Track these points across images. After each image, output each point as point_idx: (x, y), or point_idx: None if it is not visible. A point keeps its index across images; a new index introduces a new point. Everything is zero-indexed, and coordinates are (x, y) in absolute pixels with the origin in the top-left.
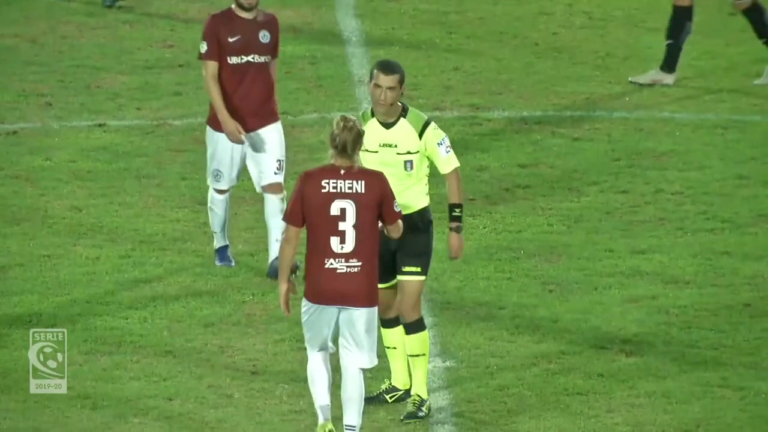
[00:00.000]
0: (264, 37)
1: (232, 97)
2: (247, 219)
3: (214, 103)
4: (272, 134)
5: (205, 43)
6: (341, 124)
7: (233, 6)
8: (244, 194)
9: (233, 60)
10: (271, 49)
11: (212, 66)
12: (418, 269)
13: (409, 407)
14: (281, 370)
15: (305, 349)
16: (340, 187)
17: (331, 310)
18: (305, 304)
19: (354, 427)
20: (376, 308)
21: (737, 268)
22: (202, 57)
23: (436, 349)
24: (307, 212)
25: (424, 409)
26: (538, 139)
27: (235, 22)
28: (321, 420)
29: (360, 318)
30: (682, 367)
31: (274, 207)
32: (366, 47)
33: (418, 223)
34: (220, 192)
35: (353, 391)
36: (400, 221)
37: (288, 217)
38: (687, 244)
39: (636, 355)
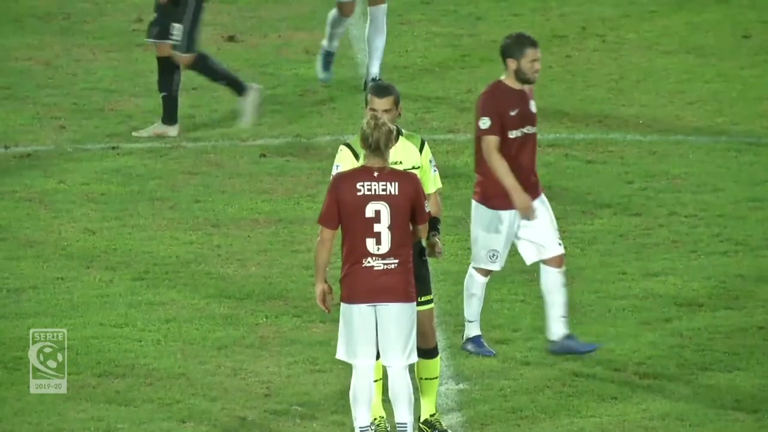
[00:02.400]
0: (533, 107)
1: (512, 171)
2: (260, 242)
3: (505, 178)
4: (544, 205)
5: (488, 118)
6: (372, 123)
7: (503, 78)
8: (258, 217)
9: (513, 134)
10: (536, 119)
11: (496, 140)
12: (430, 297)
13: (438, 427)
14: (295, 392)
15: (319, 371)
16: (375, 189)
17: (369, 311)
18: (342, 309)
19: (406, 424)
20: (413, 304)
21: (751, 291)
22: (485, 132)
23: (449, 372)
24: (343, 215)
25: (444, 424)
26: (552, 162)
27: (512, 96)
28: None
29: (398, 313)
30: (695, 389)
31: (556, 280)
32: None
33: (422, 247)
34: (487, 274)
35: (400, 389)
36: (428, 222)
37: (323, 220)
38: (701, 267)
39: (649, 378)
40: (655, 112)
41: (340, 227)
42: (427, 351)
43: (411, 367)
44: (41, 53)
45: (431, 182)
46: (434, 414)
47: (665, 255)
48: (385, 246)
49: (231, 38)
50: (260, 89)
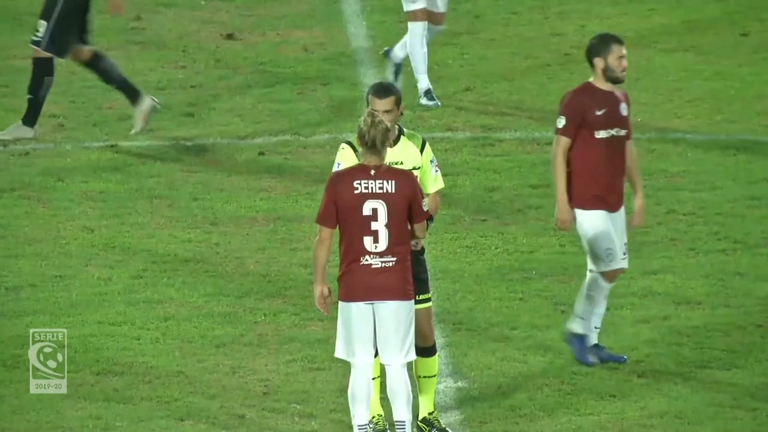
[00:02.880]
0: (623, 110)
1: (602, 173)
2: (259, 239)
3: (558, 183)
4: (623, 216)
5: (564, 117)
6: (369, 121)
7: (592, 80)
8: (256, 215)
9: (601, 134)
10: (628, 123)
11: (566, 143)
12: (429, 295)
13: (437, 425)
14: (293, 390)
15: (318, 369)
16: (372, 188)
17: (367, 309)
18: (341, 307)
19: (404, 422)
20: (411, 302)
21: (749, 289)
22: (558, 131)
23: (448, 370)
24: (340, 213)
25: (443, 423)
26: (550, 160)
27: (600, 96)
28: None
29: (396, 311)
30: (694, 387)
31: (602, 290)
32: (378, 68)
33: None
34: (611, 279)
35: (398, 387)
36: (425, 221)
37: (321, 219)
38: (699, 265)
39: (648, 376)
40: (653, 110)
41: (338, 226)
42: (425, 349)
43: (409, 365)
44: None
45: (431, 182)
46: (433, 412)
47: (664, 253)
48: (383, 244)
49: (230, 36)
50: (36, 135)
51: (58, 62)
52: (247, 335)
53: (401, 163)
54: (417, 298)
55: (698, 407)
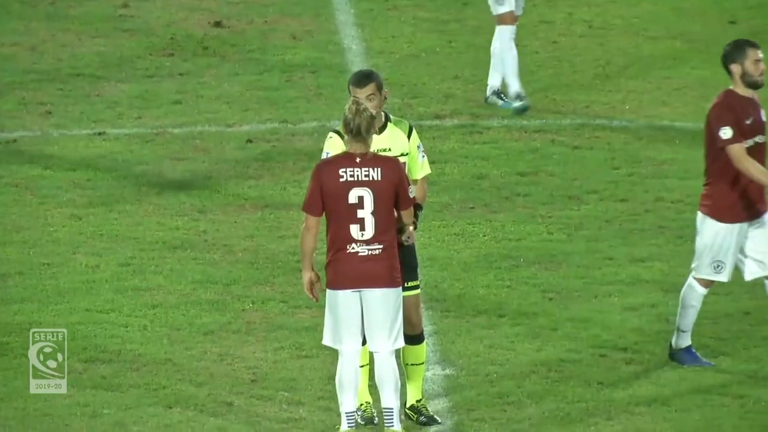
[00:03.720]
0: (764, 115)
1: (746, 181)
2: (247, 227)
3: (766, 179)
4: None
5: (728, 127)
6: (353, 109)
7: (732, 87)
8: (244, 202)
9: (748, 143)
10: (765, 127)
11: (742, 147)
12: (417, 282)
13: (425, 412)
14: (281, 377)
15: (305, 357)
16: (357, 176)
17: (354, 296)
18: (328, 295)
19: (392, 409)
20: (398, 289)
21: (737, 277)
22: (730, 142)
23: (435, 357)
24: (326, 201)
25: (430, 410)
26: (538, 148)
27: (744, 103)
28: (344, 427)
29: (383, 298)
30: (681, 375)
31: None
32: (366, 56)
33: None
34: (708, 285)
35: (386, 374)
36: (412, 207)
37: (307, 207)
38: (687, 252)
39: (636, 363)
40: (641, 97)
41: (324, 214)
42: (413, 337)
43: (397, 353)
44: (27, 38)
45: (419, 168)
46: (420, 399)
47: (652, 240)
48: (369, 232)
49: (217, 24)
50: None
51: (45, 49)
52: (235, 323)
53: (389, 149)
54: (405, 285)
55: (686, 394)
